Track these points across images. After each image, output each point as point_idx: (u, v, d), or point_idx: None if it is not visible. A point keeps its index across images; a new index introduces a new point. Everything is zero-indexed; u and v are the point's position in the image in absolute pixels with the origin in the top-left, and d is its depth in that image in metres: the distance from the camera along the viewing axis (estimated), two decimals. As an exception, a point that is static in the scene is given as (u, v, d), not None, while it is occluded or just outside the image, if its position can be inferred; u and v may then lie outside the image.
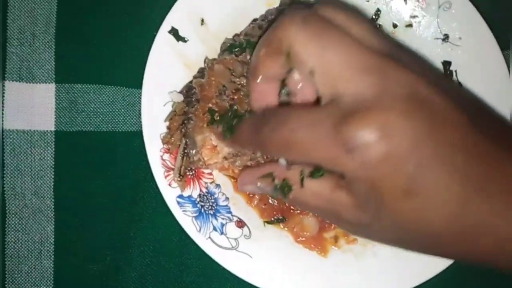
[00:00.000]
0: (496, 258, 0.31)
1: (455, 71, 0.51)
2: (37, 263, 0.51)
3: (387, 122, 0.28)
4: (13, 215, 0.51)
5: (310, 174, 0.35)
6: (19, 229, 0.51)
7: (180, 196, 0.48)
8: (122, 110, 0.52)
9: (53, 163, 0.51)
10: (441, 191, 0.29)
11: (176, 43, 0.49)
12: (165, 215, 0.50)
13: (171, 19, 0.49)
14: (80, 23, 0.52)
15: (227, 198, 0.50)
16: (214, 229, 0.49)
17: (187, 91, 0.48)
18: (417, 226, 0.31)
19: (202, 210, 0.49)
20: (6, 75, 0.50)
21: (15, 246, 0.51)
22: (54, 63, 0.51)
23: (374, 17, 0.51)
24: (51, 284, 0.51)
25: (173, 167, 0.48)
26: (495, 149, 0.30)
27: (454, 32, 0.51)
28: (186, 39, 0.49)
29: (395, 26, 0.51)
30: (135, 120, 0.52)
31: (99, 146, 0.51)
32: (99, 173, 0.51)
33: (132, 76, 0.51)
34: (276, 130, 0.33)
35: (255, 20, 0.50)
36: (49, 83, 0.51)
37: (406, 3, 0.51)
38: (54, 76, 0.51)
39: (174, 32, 0.49)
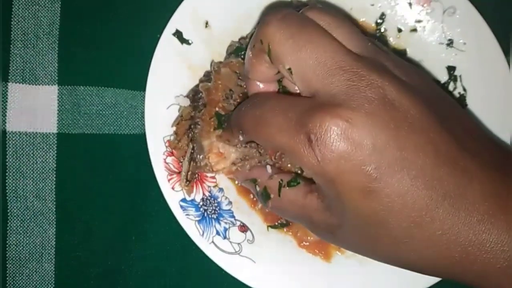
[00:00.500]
0: (463, 271, 0.30)
1: (460, 76, 0.51)
2: (38, 266, 0.51)
3: (352, 121, 0.29)
4: (14, 218, 0.50)
5: (287, 183, 0.37)
6: (21, 231, 0.50)
7: (183, 200, 0.48)
8: (125, 113, 0.52)
9: (55, 165, 0.51)
10: (402, 196, 0.29)
11: (180, 45, 0.49)
12: (167, 219, 0.50)
13: (175, 22, 0.48)
14: (84, 26, 0.52)
15: (230, 202, 0.50)
16: (217, 233, 0.48)
17: (194, 95, 0.48)
18: (378, 230, 0.30)
19: (205, 214, 0.49)
20: (9, 77, 0.50)
21: (17, 249, 0.50)
22: (57, 65, 0.51)
23: (378, 21, 0.51)
24: (52, 287, 0.51)
25: (176, 170, 0.48)
26: (464, 155, 0.30)
27: (459, 37, 0.51)
28: (190, 41, 0.49)
29: (399, 30, 0.51)
30: (138, 123, 0.52)
31: (102, 148, 0.51)
32: (101, 176, 0.51)
33: (135, 79, 0.51)
34: (252, 108, 0.35)
35: None
36: (52, 85, 0.51)
37: (411, 8, 0.51)
38: (57, 78, 0.51)
39: (178, 34, 0.49)
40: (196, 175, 0.49)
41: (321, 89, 0.31)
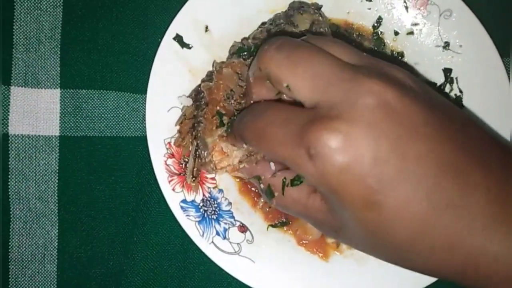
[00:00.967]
0: (466, 277, 0.30)
1: (456, 78, 0.51)
2: (40, 267, 0.51)
3: (351, 133, 0.28)
4: (17, 220, 0.51)
5: (291, 182, 0.37)
6: (23, 233, 0.51)
7: (184, 201, 0.49)
8: (127, 116, 0.52)
9: (57, 168, 0.51)
10: (404, 206, 0.29)
11: (180, 49, 0.50)
12: (168, 220, 0.51)
13: (176, 26, 0.49)
14: (85, 30, 0.52)
15: (229, 203, 0.51)
16: (217, 233, 0.49)
17: (196, 95, 0.49)
18: (381, 238, 0.30)
19: (205, 215, 0.49)
20: (12, 81, 0.51)
21: (19, 250, 0.51)
22: (59, 68, 0.52)
23: (375, 24, 0.52)
24: (54, 288, 0.51)
25: (176, 172, 0.49)
26: (468, 162, 0.29)
27: (455, 39, 0.51)
28: (190, 45, 0.50)
29: (396, 33, 0.52)
30: (139, 126, 0.52)
31: (103, 151, 0.52)
32: (103, 178, 0.52)
33: (136, 82, 0.52)
34: (253, 121, 0.35)
35: (263, 23, 0.50)
36: (54, 88, 0.52)
37: (407, 11, 0.52)
38: (59, 81, 0.52)
39: (178, 38, 0.49)
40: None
41: (321, 100, 0.31)
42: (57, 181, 0.51)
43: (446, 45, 0.51)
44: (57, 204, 0.51)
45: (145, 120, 0.49)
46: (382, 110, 0.29)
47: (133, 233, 0.52)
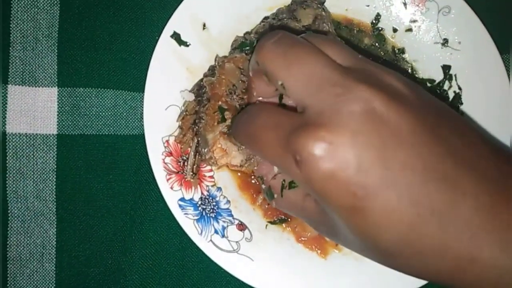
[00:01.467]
0: (456, 281, 0.30)
1: (455, 75, 0.51)
2: (39, 266, 0.51)
3: (336, 142, 0.29)
4: (15, 218, 0.51)
5: (289, 184, 0.37)
6: (21, 232, 0.51)
7: (182, 199, 0.49)
8: (124, 114, 0.52)
9: (55, 166, 0.51)
10: (389, 213, 0.29)
11: (178, 47, 0.49)
12: (166, 218, 0.51)
13: (173, 24, 0.49)
14: (83, 28, 0.52)
15: (228, 201, 0.50)
16: (216, 232, 0.49)
17: (198, 90, 0.49)
18: (369, 242, 0.31)
19: (204, 213, 0.49)
20: (9, 79, 0.51)
21: (17, 249, 0.51)
22: (56, 67, 0.52)
23: (374, 21, 0.52)
24: (53, 287, 0.51)
25: (174, 170, 0.49)
26: (457, 168, 0.29)
27: (454, 36, 0.51)
28: (188, 43, 0.50)
29: (395, 30, 0.52)
30: (137, 124, 0.52)
31: (101, 149, 0.52)
32: (101, 177, 0.52)
33: (134, 80, 0.52)
34: (246, 123, 0.35)
35: (266, 18, 0.50)
36: (52, 87, 0.51)
37: (406, 8, 0.51)
38: (56, 80, 0.51)
39: (176, 36, 0.49)
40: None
41: (310, 105, 0.31)
42: (55, 179, 0.51)
43: (445, 42, 0.51)
44: (55, 203, 0.51)
45: (143, 118, 0.48)
46: (368, 118, 0.29)
47: (131, 231, 0.52)
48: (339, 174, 0.29)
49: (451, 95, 0.52)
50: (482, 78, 0.51)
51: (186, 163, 0.49)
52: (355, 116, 0.29)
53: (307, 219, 0.37)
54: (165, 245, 0.52)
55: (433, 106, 0.33)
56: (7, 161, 0.51)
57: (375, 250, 0.31)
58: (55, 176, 0.51)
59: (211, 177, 0.51)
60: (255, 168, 0.44)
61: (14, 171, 0.51)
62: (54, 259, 0.51)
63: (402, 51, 0.52)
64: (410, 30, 0.52)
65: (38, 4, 0.52)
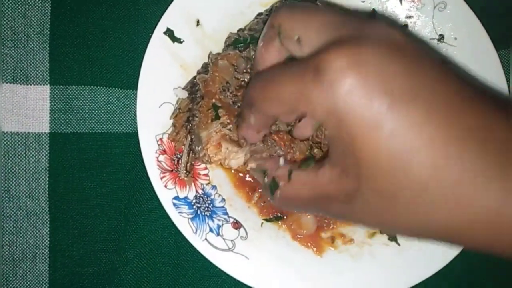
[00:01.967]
0: (471, 231, 0.28)
1: (451, 71, 0.51)
2: (32, 266, 0.51)
3: (360, 53, 0.28)
4: (7, 218, 0.50)
5: (301, 163, 0.36)
6: (14, 232, 0.50)
7: (176, 198, 0.48)
8: (118, 112, 0.52)
9: (47, 165, 0.51)
10: (415, 131, 0.27)
11: (171, 44, 0.49)
12: (161, 217, 0.50)
13: (167, 20, 0.48)
14: (75, 24, 0.51)
15: (223, 200, 0.50)
16: (211, 230, 0.49)
17: (191, 87, 0.48)
18: (395, 179, 0.28)
19: (198, 212, 0.49)
20: (0, 77, 0.50)
21: (10, 249, 0.50)
22: (48, 64, 0.51)
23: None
24: (46, 287, 0.51)
25: (168, 168, 0.48)
26: (481, 99, 0.29)
27: (450, 32, 0.51)
28: (181, 40, 0.49)
29: (390, 26, 0.52)
30: (130, 122, 0.52)
31: (94, 148, 0.51)
32: (94, 175, 0.51)
33: (127, 78, 0.51)
34: (259, 76, 0.35)
35: (260, 14, 0.50)
36: (44, 84, 0.51)
37: (401, 4, 0.51)
38: (48, 77, 0.51)
39: (169, 33, 0.49)
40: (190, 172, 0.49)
41: (330, 39, 0.31)
42: (47, 178, 0.51)
43: (441, 38, 0.51)
44: (48, 202, 0.51)
45: (136, 116, 0.48)
46: (392, 43, 0.29)
47: (125, 230, 0.51)
48: (364, 84, 0.27)
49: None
50: (478, 74, 0.50)
51: (180, 161, 0.48)
52: (380, 39, 0.29)
53: (319, 200, 0.34)
54: (159, 244, 0.51)
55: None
56: (-2, 160, 0.50)
57: (401, 195, 0.29)
58: (47, 175, 0.51)
59: (206, 175, 0.50)
60: (259, 162, 0.43)
61: (6, 170, 0.50)
62: (48, 259, 0.51)
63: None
64: (405, 26, 0.51)
65: (29, 1, 0.51)
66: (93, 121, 0.51)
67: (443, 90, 0.28)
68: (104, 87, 0.51)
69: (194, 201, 0.49)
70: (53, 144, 0.51)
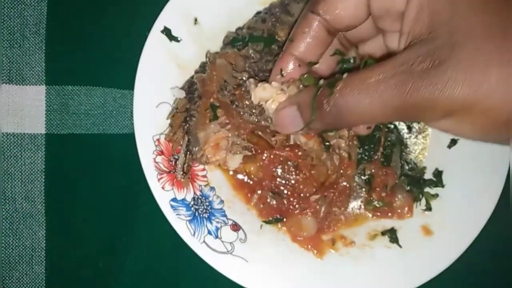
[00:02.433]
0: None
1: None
2: (28, 268, 0.50)
3: None
4: (3, 220, 0.50)
5: (364, 63, 0.35)
6: (10, 234, 0.50)
7: (174, 200, 0.47)
8: (114, 112, 0.51)
9: (43, 166, 0.50)
10: None
11: (168, 43, 0.48)
12: (158, 219, 0.49)
13: (164, 19, 0.48)
14: (71, 25, 0.51)
15: (222, 201, 0.49)
16: (209, 232, 0.48)
17: (189, 87, 0.47)
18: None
19: (196, 214, 0.48)
20: (-5, 77, 0.50)
21: (6, 251, 0.50)
22: (44, 64, 0.50)
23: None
24: (43, 290, 0.50)
25: (166, 169, 0.47)
26: None
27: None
28: (179, 39, 0.48)
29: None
30: (127, 122, 0.51)
31: (91, 149, 0.51)
32: (91, 177, 0.50)
33: (124, 77, 0.50)
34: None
35: (258, 13, 0.49)
36: (40, 85, 0.50)
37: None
38: (44, 78, 0.50)
39: (166, 32, 0.48)
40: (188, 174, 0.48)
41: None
42: (43, 180, 0.50)
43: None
44: (44, 204, 0.50)
45: (133, 117, 0.47)
46: None
47: (122, 233, 0.50)
48: None
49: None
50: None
51: (177, 162, 0.48)
52: None
53: (401, 81, 0.31)
54: (157, 246, 0.51)
55: None
56: (-6, 162, 0.49)
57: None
58: (43, 177, 0.50)
59: (204, 176, 0.49)
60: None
61: (1, 172, 0.49)
62: (44, 262, 0.50)
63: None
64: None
65: (25, 1, 0.50)
66: (90, 122, 0.51)
67: None
68: (101, 87, 0.51)
69: (192, 203, 0.48)
70: (49, 145, 0.50)
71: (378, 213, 0.50)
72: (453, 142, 0.50)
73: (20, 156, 0.50)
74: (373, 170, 0.50)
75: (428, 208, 0.50)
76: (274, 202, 0.49)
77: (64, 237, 0.50)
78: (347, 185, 0.49)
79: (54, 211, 0.50)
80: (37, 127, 0.50)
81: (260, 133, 0.46)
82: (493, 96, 0.29)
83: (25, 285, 0.50)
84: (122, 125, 0.51)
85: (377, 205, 0.50)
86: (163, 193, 0.47)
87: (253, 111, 0.45)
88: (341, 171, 0.48)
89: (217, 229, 0.48)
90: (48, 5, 0.51)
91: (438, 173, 0.50)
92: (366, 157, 0.51)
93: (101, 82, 0.51)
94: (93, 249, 0.50)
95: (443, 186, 0.50)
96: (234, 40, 0.48)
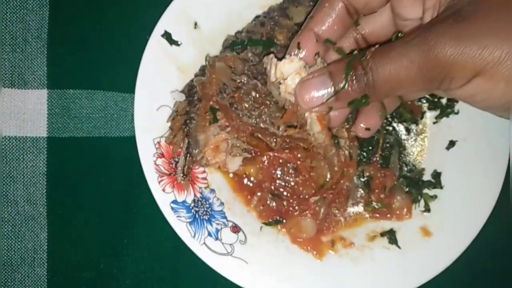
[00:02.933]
0: None
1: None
2: (30, 270, 0.50)
3: None
4: (5, 223, 0.50)
5: (396, 36, 0.37)
6: (12, 236, 0.50)
7: (174, 202, 0.48)
8: (115, 116, 0.51)
9: (45, 169, 0.50)
10: None
11: (169, 46, 0.49)
12: (159, 221, 0.49)
13: (164, 23, 0.48)
14: (73, 29, 0.51)
15: (222, 203, 0.50)
16: (209, 234, 0.48)
17: (189, 90, 0.48)
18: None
19: (197, 216, 0.48)
20: (-3, 81, 0.50)
21: (8, 254, 0.50)
22: (46, 68, 0.51)
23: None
24: (44, 292, 0.50)
25: (166, 172, 0.48)
26: None
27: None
28: (179, 42, 0.49)
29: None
30: (128, 126, 0.52)
31: (92, 152, 0.51)
32: (92, 180, 0.51)
33: (125, 81, 0.51)
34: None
35: (257, 16, 0.50)
36: (41, 89, 0.51)
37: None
38: (46, 81, 0.51)
39: (167, 35, 0.48)
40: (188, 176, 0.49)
41: None
42: (45, 183, 0.50)
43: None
44: (45, 207, 0.50)
45: (134, 120, 0.47)
46: None
47: (123, 235, 0.51)
48: None
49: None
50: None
51: (177, 165, 0.48)
52: None
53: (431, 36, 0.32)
54: (157, 248, 0.51)
55: None
56: (-4, 165, 0.50)
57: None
58: (45, 180, 0.50)
59: (204, 178, 0.50)
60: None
61: (3, 175, 0.50)
62: (46, 264, 0.50)
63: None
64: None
65: (27, 6, 0.51)
66: (91, 125, 0.51)
67: None
68: (102, 91, 0.51)
69: (192, 205, 0.48)
70: (51, 149, 0.50)
71: (377, 215, 0.50)
72: (452, 144, 0.51)
73: (22, 159, 0.50)
74: (372, 172, 0.51)
75: (427, 209, 0.50)
76: (274, 204, 0.50)
77: (65, 239, 0.51)
78: (346, 187, 0.49)
79: (55, 213, 0.50)
80: (39, 130, 0.50)
81: (259, 135, 0.47)
82: None
83: (27, 287, 0.50)
84: (123, 128, 0.52)
85: (376, 207, 0.50)
86: (163, 195, 0.48)
87: (252, 113, 0.45)
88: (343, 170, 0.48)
89: (217, 231, 0.48)
90: (50, 10, 0.51)
91: (436, 175, 0.51)
92: (365, 159, 0.52)
93: (102, 86, 0.51)
94: (95, 251, 0.51)
95: (441, 188, 0.50)
96: (233, 44, 0.48)
